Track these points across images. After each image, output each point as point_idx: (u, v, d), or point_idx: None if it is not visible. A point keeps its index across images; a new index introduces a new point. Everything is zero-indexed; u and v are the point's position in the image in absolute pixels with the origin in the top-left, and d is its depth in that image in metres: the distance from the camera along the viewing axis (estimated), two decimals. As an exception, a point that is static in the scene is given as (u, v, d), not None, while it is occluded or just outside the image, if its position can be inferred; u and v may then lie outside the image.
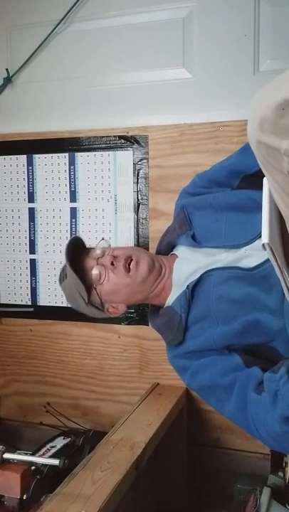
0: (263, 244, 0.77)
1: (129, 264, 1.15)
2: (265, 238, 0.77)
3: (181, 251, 1.20)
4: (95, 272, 1.17)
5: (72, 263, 1.18)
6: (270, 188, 0.77)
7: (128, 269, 1.14)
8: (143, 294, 1.20)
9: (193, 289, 1.09)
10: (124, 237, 1.63)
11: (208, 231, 1.13)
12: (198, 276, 1.08)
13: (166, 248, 1.27)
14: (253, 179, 1.12)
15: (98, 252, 1.20)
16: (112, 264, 1.15)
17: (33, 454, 1.35)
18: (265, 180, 0.83)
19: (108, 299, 1.21)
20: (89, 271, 1.18)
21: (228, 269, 1.05)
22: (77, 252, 1.23)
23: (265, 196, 0.81)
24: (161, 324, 1.18)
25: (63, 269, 1.24)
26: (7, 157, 1.75)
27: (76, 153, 1.67)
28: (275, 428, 0.90)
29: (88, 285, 1.18)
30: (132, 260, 1.15)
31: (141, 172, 1.59)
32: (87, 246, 1.28)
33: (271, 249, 0.77)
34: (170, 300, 1.18)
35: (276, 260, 0.79)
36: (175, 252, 1.24)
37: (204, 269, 1.08)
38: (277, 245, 0.80)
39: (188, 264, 1.14)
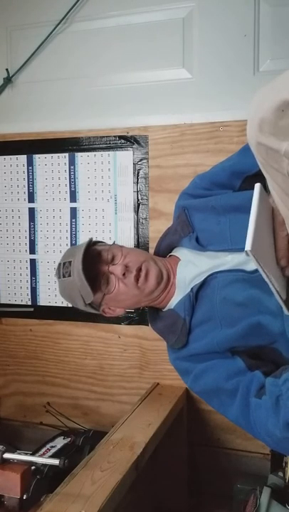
0: (247, 252, 0.77)
1: (139, 275, 1.12)
2: (248, 246, 0.77)
3: (184, 253, 1.19)
4: (107, 282, 1.14)
5: (84, 266, 1.11)
6: (270, 189, 0.77)
7: (138, 281, 1.12)
8: (147, 303, 1.20)
9: (197, 292, 1.08)
10: (124, 237, 1.63)
11: (212, 234, 1.12)
12: (203, 279, 1.08)
13: (166, 249, 1.26)
14: (255, 180, 1.11)
15: (110, 256, 1.15)
16: (124, 274, 1.12)
17: (33, 454, 1.35)
18: (256, 186, 0.83)
19: (109, 304, 1.19)
20: (100, 276, 1.14)
21: (232, 271, 1.05)
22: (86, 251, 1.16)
23: (254, 203, 0.82)
24: (163, 327, 1.18)
25: (65, 265, 1.16)
26: (7, 157, 1.75)
27: (76, 153, 1.67)
28: (276, 432, 0.91)
29: (96, 291, 1.14)
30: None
31: (141, 172, 1.59)
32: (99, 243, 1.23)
33: (254, 256, 0.78)
34: (172, 303, 1.17)
35: (261, 266, 0.80)
36: (175, 253, 1.22)
37: (209, 272, 1.08)
38: (265, 251, 0.81)
39: (192, 267, 1.13)
